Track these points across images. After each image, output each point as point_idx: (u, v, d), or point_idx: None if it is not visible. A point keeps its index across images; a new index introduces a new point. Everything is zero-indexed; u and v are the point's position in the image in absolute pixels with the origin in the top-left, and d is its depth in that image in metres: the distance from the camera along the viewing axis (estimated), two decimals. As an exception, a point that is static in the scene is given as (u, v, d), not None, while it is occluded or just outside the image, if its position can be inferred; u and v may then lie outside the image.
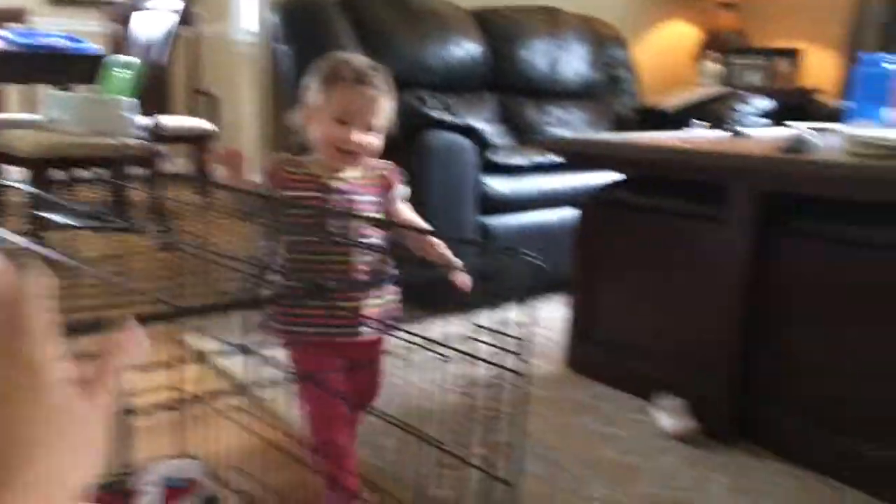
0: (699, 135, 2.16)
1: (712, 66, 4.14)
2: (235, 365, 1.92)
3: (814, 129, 1.79)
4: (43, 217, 2.43)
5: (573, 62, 3.59)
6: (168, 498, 1.33)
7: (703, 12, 4.47)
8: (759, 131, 2.21)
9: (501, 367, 0.90)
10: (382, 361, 1.45)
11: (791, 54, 4.20)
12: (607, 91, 3.74)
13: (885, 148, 1.50)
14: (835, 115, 2.63)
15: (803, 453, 1.67)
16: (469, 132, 2.53)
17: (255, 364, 1.59)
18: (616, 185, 2.13)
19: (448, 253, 1.37)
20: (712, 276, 1.79)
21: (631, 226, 2.03)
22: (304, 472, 1.39)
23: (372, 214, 1.38)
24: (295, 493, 1.42)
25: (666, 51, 4.42)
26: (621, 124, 3.56)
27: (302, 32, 2.86)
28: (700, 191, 1.83)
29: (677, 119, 3.04)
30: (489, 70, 3.36)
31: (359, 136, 1.32)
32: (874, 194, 1.50)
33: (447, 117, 2.49)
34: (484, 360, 0.91)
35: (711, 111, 3.18)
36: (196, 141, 3.90)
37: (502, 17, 3.45)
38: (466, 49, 3.26)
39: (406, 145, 2.43)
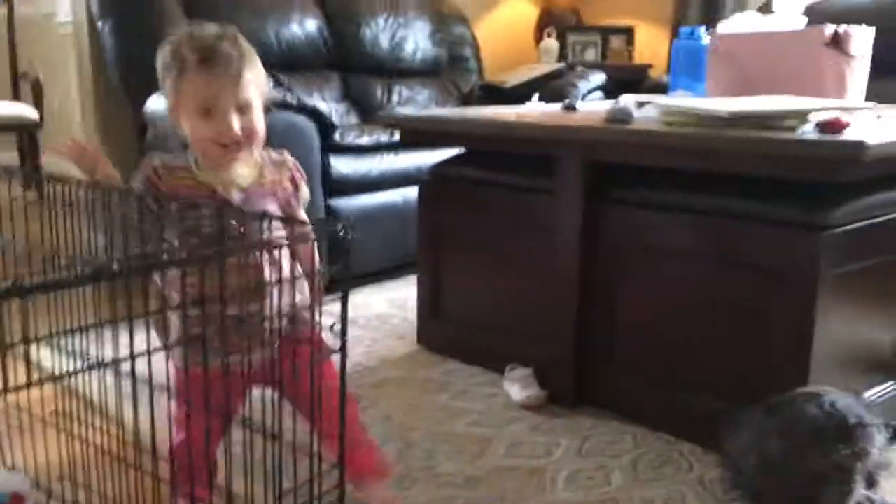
0: (534, 109, 2.21)
1: (551, 44, 4.25)
2: (63, 368, 1.80)
3: (637, 101, 1.87)
4: None
5: (417, 40, 3.60)
6: (-13, 517, 1.24)
7: (541, -9, 4.58)
8: (589, 105, 2.29)
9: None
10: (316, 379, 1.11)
11: (625, 32, 4.38)
12: (451, 69, 3.77)
13: (692, 116, 1.58)
14: (663, 89, 2.78)
15: (640, 411, 1.76)
16: (310, 112, 2.47)
17: (76, 363, 1.48)
18: (454, 160, 2.15)
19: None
20: (548, 246, 1.85)
21: (471, 201, 2.05)
22: (143, 477, 1.32)
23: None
24: (133, 501, 1.35)
25: (507, 29, 4.50)
26: (465, 101, 3.61)
27: (123, 7, 2.69)
28: (535, 164, 1.88)
29: (517, 95, 3.11)
30: (331, 49, 3.30)
31: (232, 124, 1.12)
32: (683, 161, 1.59)
33: (286, 97, 2.42)
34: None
35: (550, 87, 3.28)
36: (19, 130, 3.62)
37: (342, -5, 3.39)
38: (305, 27, 3.19)
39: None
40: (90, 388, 1.62)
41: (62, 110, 4.31)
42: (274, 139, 2.37)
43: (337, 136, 2.61)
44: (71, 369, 1.44)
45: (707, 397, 1.63)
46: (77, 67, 3.98)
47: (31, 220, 1.33)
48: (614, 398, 1.82)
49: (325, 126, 2.52)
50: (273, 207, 1.19)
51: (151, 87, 2.70)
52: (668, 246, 1.69)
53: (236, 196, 1.16)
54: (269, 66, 2.90)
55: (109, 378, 1.40)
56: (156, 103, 2.66)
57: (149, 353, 1.16)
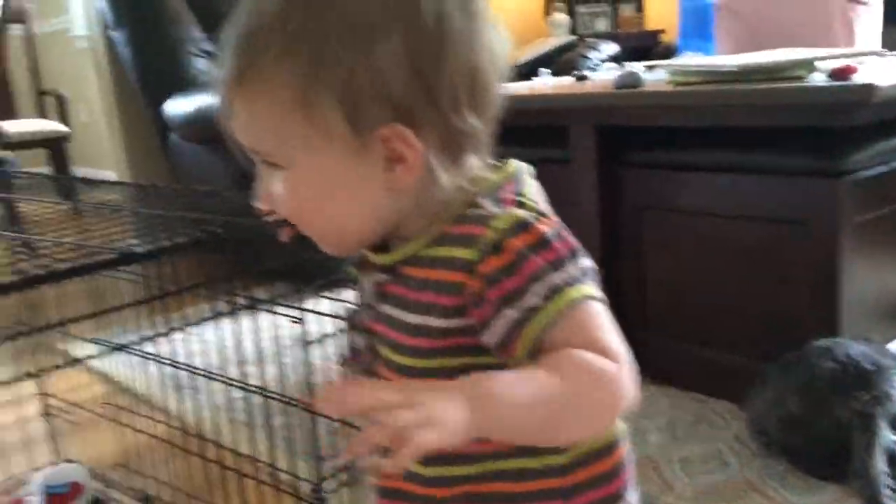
0: (545, 82, 2.22)
1: (560, 17, 4.25)
2: (111, 366, 1.87)
3: (646, 65, 1.88)
4: None
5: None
6: (50, 505, 1.30)
7: (547, -34, 4.57)
8: (600, 74, 2.30)
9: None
10: None
11: (634, -1, 4.38)
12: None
13: (700, 74, 1.58)
14: (674, 54, 2.77)
15: (673, 373, 1.76)
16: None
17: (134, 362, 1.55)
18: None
19: None
20: (569, 215, 1.86)
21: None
22: (195, 461, 1.37)
23: None
24: (188, 484, 1.41)
25: (516, 6, 4.51)
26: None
27: (135, 15, 2.74)
28: (549, 136, 1.89)
29: (530, 72, 3.11)
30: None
31: (260, 187, 0.60)
32: (695, 118, 1.59)
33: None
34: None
35: (562, 61, 3.28)
36: (48, 144, 3.71)
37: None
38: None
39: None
40: (137, 382, 1.70)
41: (90, 121, 4.41)
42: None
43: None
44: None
45: (739, 354, 1.64)
46: (97, 79, 4.08)
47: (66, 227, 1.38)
48: (649, 362, 1.81)
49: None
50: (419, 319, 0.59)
51: (169, 89, 2.78)
52: (689, 205, 1.69)
53: (367, 284, 0.63)
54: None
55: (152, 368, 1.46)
56: (174, 106, 2.71)
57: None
